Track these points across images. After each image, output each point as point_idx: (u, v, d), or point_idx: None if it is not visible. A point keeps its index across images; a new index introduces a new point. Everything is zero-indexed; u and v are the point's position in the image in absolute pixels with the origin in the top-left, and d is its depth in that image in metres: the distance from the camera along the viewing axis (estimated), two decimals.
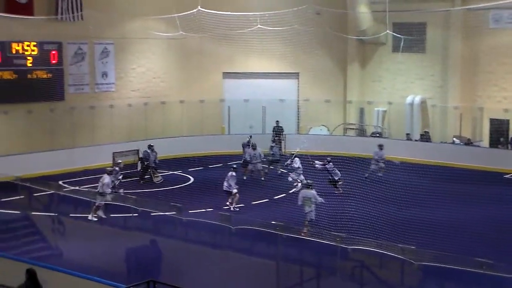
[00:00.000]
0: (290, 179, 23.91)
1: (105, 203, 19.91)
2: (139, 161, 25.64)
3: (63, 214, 20.27)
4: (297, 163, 23.91)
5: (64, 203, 20.61)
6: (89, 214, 19.68)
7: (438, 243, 16.35)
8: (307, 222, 18.08)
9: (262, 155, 26.06)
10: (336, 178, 22.95)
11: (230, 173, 21.31)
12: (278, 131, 30.24)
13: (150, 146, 25.43)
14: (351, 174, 23.28)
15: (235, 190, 21.04)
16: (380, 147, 26.11)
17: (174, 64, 31.97)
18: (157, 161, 25.42)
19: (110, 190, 20.14)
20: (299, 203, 18.68)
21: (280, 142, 29.56)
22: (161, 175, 25.53)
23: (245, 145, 26.72)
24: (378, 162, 25.64)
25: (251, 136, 27.24)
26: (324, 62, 32.74)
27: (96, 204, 19.70)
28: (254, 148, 25.86)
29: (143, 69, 30.99)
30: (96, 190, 20.03)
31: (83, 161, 26.42)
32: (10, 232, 19.37)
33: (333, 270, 16.32)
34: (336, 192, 22.60)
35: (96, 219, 19.59)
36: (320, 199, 18.71)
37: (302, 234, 17.41)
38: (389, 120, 32.14)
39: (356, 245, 16.26)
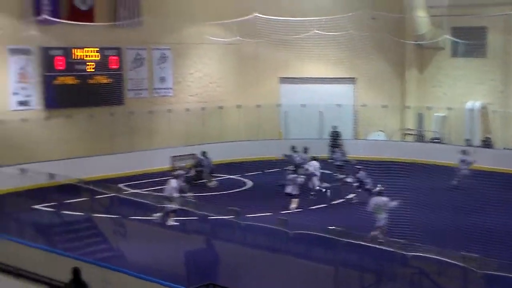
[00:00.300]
0: (349, 179, 23.71)
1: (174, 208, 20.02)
2: (193, 167, 25.79)
3: (123, 216, 20.60)
4: (313, 167, 23.62)
5: (124, 205, 20.92)
6: (153, 216, 19.82)
7: (504, 252, 15.98)
8: (379, 228, 17.89)
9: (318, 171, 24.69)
10: (368, 187, 22.40)
11: (292, 176, 21.31)
12: (335, 136, 30.10)
13: (204, 153, 25.60)
14: (409, 180, 22.96)
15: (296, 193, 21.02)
16: (464, 152, 25.55)
17: (231, 69, 32.19)
18: (212, 166, 25.61)
19: (177, 194, 20.27)
20: (370, 209, 18.47)
21: (339, 147, 29.37)
22: (216, 180, 25.67)
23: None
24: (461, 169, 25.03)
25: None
26: (381, 67, 32.47)
27: (169, 209, 19.79)
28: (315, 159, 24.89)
29: (200, 74, 31.30)
30: (163, 194, 20.20)
31: (142, 165, 26.83)
32: (73, 233, 19.81)
33: (392, 276, 16.12)
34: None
35: (177, 223, 19.72)
36: (393, 203, 18.44)
37: (373, 237, 17.22)
38: (449, 126, 31.63)
39: (416, 251, 16.01)
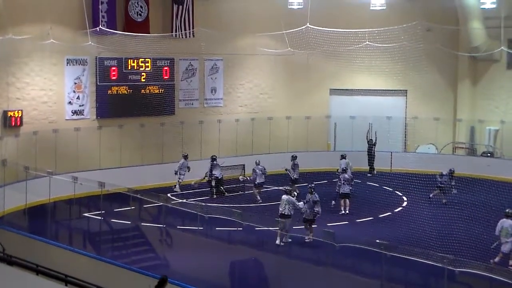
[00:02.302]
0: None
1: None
2: (210, 176, 25.66)
3: (170, 226, 20.83)
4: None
5: (172, 215, 21.15)
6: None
7: None
8: (501, 254, 17.42)
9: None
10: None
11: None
12: (369, 147, 30.05)
13: (214, 158, 25.77)
14: (460, 194, 22.62)
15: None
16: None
17: (281, 80, 32.27)
18: (222, 172, 25.75)
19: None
20: (496, 233, 17.82)
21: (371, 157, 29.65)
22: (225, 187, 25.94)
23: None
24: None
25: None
26: (433, 79, 32.06)
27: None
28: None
29: (250, 85, 31.48)
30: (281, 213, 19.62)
31: (191, 175, 27.04)
32: (121, 241, 20.15)
33: None
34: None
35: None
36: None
37: (493, 263, 16.75)
38: (502, 140, 31.00)
39: (464, 267, 15.73)
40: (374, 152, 29.72)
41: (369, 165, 29.72)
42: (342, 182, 23.33)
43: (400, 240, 18.02)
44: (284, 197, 19.63)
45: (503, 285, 15.02)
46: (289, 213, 19.32)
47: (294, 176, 25.60)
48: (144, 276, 14.44)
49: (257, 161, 25.37)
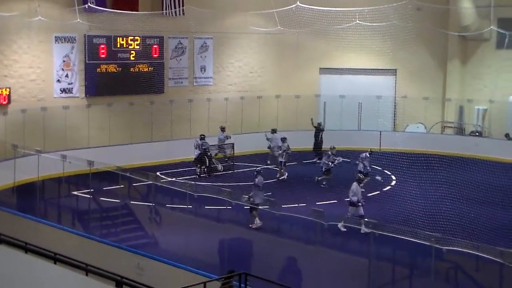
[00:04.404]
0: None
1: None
2: (204, 155, 25.53)
3: (160, 204, 20.85)
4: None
5: (161, 193, 21.16)
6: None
7: None
8: None
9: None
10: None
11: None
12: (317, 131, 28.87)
13: (203, 137, 25.66)
14: (447, 174, 22.73)
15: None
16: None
17: (271, 59, 32.19)
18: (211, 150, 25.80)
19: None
20: None
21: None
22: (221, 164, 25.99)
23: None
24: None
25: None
26: (423, 59, 32.06)
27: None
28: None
29: (240, 64, 31.38)
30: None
31: (180, 153, 27.04)
32: (110, 220, 20.17)
33: (426, 270, 15.99)
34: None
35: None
36: None
37: None
38: (490, 119, 31.12)
39: (451, 246, 15.86)
40: (321, 138, 28.60)
41: (314, 150, 28.51)
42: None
43: (389, 219, 18.13)
44: (354, 185, 19.22)
45: (490, 263, 15.18)
46: (357, 202, 18.95)
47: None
48: (133, 254, 14.47)
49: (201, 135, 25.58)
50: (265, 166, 26.43)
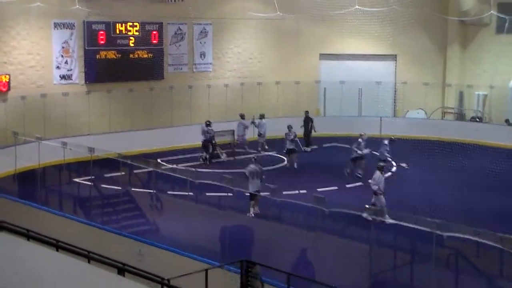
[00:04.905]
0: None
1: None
2: (208, 142, 25.46)
3: (160, 191, 20.87)
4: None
5: (162, 180, 21.17)
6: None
7: None
8: None
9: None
10: None
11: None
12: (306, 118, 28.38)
13: (209, 123, 25.52)
14: (447, 159, 22.73)
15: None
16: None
17: (270, 45, 32.09)
18: (215, 138, 25.68)
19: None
20: None
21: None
22: (225, 152, 25.94)
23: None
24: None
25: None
26: (423, 44, 31.99)
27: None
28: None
29: (240, 50, 31.29)
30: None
31: (181, 140, 27.03)
32: (111, 207, 20.19)
33: (427, 257, 16.04)
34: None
35: None
36: None
37: None
38: (490, 105, 31.08)
39: (452, 232, 15.88)
40: (311, 127, 28.06)
41: (304, 138, 28.01)
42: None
43: (389, 205, 18.15)
44: (377, 174, 18.93)
45: (490, 249, 15.21)
46: (379, 191, 18.71)
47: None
48: (135, 241, 14.50)
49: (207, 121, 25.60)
50: (261, 154, 26.46)
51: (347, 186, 22.06)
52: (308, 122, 28.03)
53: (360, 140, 23.43)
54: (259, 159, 20.69)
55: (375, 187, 18.77)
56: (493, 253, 15.30)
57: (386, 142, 23.45)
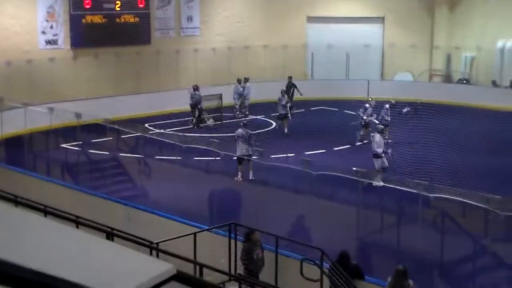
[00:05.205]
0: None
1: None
2: (194, 107, 25.31)
3: (148, 156, 20.89)
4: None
5: (150, 145, 21.18)
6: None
7: None
8: None
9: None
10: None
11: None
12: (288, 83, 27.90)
13: (197, 87, 25.36)
14: (435, 121, 22.83)
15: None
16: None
17: (258, 8, 31.87)
18: (202, 102, 25.46)
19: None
20: None
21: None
22: (212, 117, 25.73)
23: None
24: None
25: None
26: (410, 5, 31.87)
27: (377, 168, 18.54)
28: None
29: (227, 14, 31.05)
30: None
31: (168, 105, 26.98)
32: (99, 172, 20.21)
33: (413, 217, 16.23)
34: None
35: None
36: None
37: None
38: (478, 67, 31.12)
39: (438, 193, 16.05)
40: (293, 92, 27.40)
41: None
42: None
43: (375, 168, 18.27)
44: (377, 136, 18.77)
45: (476, 209, 15.40)
46: (382, 153, 18.51)
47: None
48: (123, 206, 14.58)
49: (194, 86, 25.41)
50: (251, 117, 26.47)
51: (335, 149, 22.14)
52: (290, 87, 27.64)
53: (367, 105, 22.92)
54: (248, 123, 20.68)
55: (379, 150, 18.57)
56: (479, 213, 15.48)
57: (387, 106, 23.05)
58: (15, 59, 24.67)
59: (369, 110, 22.83)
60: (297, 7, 31.94)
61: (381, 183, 16.66)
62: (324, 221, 15.84)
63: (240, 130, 19.12)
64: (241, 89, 27.00)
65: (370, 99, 23.28)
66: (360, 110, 23.08)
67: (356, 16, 32.20)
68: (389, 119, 22.92)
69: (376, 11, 32.16)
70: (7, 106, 22.00)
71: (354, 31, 31.93)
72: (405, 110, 24.17)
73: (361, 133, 22.58)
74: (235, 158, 18.87)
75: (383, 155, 18.68)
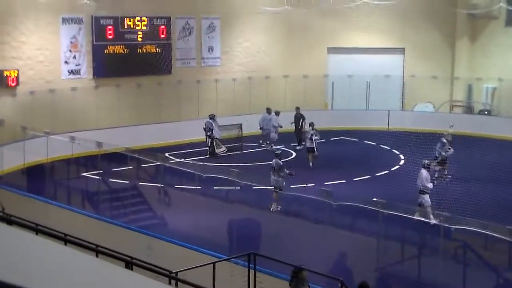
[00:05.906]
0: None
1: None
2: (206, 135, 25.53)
3: (168, 185, 20.93)
4: None
5: (170, 174, 21.23)
6: None
7: None
8: None
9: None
10: None
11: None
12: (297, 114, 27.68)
13: (212, 116, 25.62)
14: (457, 153, 22.68)
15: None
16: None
17: (278, 38, 32.07)
18: (219, 132, 25.62)
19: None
20: None
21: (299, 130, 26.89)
22: (224, 146, 25.78)
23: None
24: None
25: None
26: (431, 37, 31.90)
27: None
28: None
29: (248, 44, 31.27)
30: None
31: (188, 134, 27.10)
32: (119, 201, 20.27)
33: (435, 249, 16.04)
34: None
35: None
36: None
37: None
38: (499, 98, 30.96)
39: (459, 225, 15.86)
40: (302, 124, 27.04)
41: (296, 135, 27.29)
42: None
43: (397, 198, 18.12)
44: (424, 172, 18.25)
45: (498, 242, 15.20)
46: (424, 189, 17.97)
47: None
48: (143, 235, 14.58)
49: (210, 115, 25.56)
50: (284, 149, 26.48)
51: (355, 179, 22.04)
52: (299, 118, 27.43)
53: (444, 140, 21.84)
54: (281, 153, 20.70)
55: (430, 185, 17.98)
56: (502, 245, 15.28)
57: (444, 140, 21.80)
58: (38, 88, 24.99)
59: (447, 145, 21.67)
60: (318, 38, 32.09)
61: (435, 221, 15.87)
62: (344, 251, 15.72)
63: (273, 161, 19.29)
64: (276, 122, 26.72)
65: (446, 134, 21.89)
66: (438, 145, 21.98)
67: (376, 47, 32.28)
68: (446, 153, 21.74)
69: (397, 42, 32.21)
70: (30, 135, 22.23)
71: (375, 62, 31.99)
72: (450, 127, 22.70)
73: (437, 169, 21.36)
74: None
75: (427, 191, 17.91)
